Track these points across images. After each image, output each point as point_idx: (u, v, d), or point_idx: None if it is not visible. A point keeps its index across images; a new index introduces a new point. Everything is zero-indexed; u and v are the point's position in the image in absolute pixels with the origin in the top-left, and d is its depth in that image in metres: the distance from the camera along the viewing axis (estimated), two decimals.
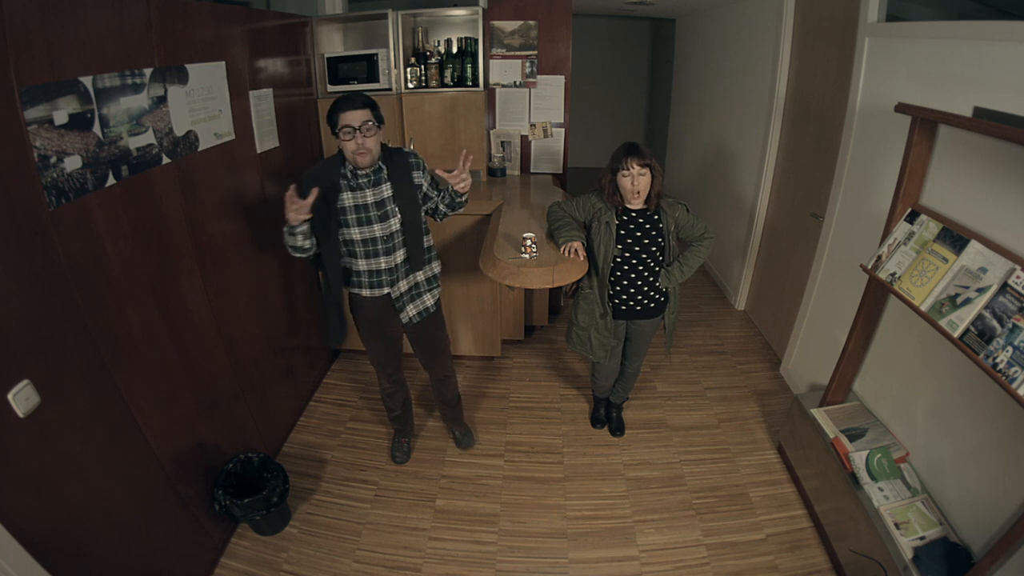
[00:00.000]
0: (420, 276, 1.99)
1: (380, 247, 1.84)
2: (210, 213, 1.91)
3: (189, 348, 1.81)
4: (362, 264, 1.87)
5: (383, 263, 1.87)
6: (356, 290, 1.93)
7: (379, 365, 2.17)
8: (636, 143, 1.94)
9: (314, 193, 1.65)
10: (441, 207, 1.95)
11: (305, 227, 1.71)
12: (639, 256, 2.04)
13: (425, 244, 1.96)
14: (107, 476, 1.46)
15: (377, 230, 1.82)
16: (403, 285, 1.94)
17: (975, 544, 1.58)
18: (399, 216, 1.84)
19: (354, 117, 1.68)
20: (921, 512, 1.70)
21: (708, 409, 2.76)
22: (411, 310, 1.99)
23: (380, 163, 1.80)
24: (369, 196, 1.79)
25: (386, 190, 1.81)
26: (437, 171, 1.96)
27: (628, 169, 1.90)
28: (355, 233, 1.81)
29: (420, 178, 1.89)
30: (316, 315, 2.88)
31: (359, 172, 1.77)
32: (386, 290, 1.92)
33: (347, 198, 1.78)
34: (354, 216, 1.79)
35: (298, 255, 1.80)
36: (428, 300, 2.03)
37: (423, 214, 1.94)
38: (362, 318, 2.01)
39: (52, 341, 1.29)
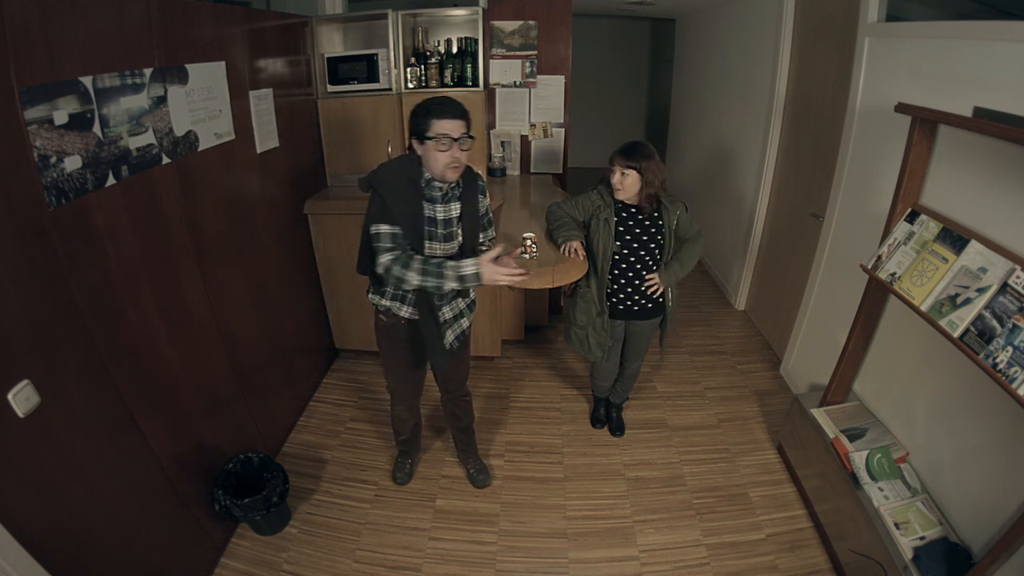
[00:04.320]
0: (463, 303, 1.87)
1: None
2: (210, 213, 1.91)
3: (189, 348, 1.81)
4: None
5: None
6: (396, 306, 1.76)
7: (399, 392, 2.05)
8: (637, 143, 1.95)
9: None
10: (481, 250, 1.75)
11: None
12: (638, 254, 2.05)
13: None
14: (107, 476, 1.46)
15: (438, 248, 1.66)
16: (447, 312, 1.79)
17: (975, 544, 1.58)
18: (460, 240, 1.70)
19: (453, 127, 1.50)
20: (921, 512, 1.70)
21: (708, 409, 2.76)
22: (450, 335, 1.83)
23: (459, 179, 1.65)
24: (440, 211, 1.64)
25: (455, 209, 1.66)
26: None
27: (613, 166, 1.97)
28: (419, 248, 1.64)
29: (483, 204, 1.76)
30: (316, 315, 2.89)
31: (436, 183, 1.61)
32: None
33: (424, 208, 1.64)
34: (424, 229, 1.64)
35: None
36: (465, 323, 1.90)
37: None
38: (395, 341, 1.84)
39: (52, 341, 1.29)
